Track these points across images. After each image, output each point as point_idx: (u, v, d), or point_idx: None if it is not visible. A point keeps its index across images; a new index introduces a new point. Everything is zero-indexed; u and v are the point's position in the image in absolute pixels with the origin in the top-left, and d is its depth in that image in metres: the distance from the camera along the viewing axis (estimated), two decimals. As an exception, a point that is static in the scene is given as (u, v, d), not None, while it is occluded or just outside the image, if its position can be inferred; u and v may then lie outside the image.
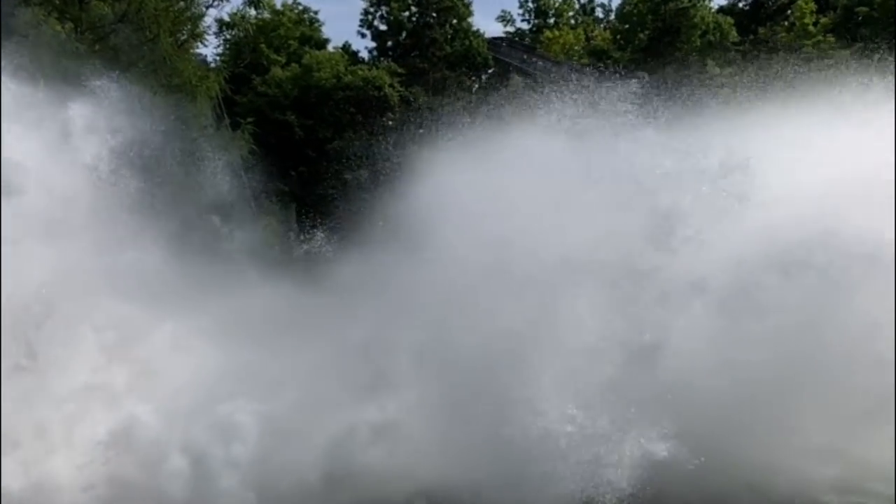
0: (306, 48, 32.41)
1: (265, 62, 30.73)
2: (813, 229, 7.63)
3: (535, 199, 8.43)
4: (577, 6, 41.40)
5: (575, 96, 9.49)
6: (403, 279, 9.39)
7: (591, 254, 7.50)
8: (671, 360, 7.19)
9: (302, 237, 23.04)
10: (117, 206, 9.64)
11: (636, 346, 7.23)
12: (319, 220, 23.57)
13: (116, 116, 9.87)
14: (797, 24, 30.06)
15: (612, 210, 7.79)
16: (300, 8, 34.34)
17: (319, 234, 20.11)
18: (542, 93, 10.38)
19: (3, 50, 9.03)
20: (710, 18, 31.88)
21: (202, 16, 18.11)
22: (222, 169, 15.96)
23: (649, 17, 32.25)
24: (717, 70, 25.36)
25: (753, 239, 7.86)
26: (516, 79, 29.65)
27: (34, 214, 7.87)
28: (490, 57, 33.93)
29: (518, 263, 7.94)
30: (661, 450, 7.01)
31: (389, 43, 34.37)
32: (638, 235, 7.53)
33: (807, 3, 29.86)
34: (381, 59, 33.92)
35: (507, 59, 34.18)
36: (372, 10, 34.32)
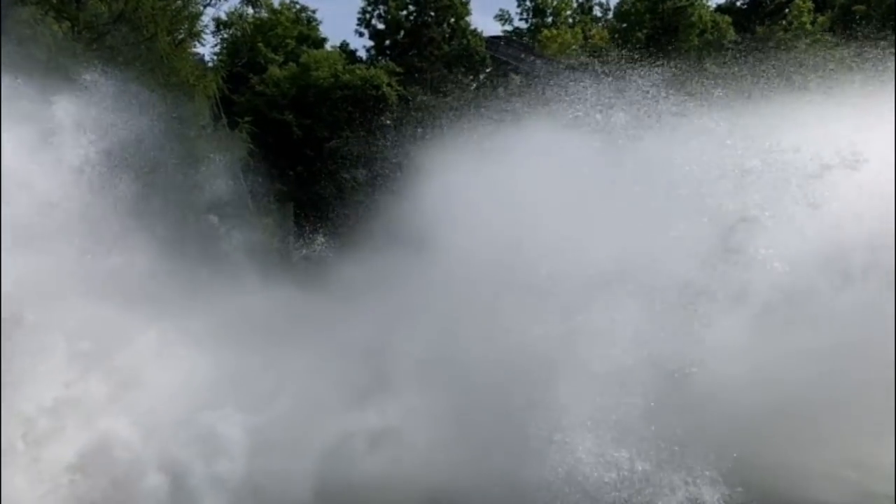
0: (304, 47, 32.34)
1: (263, 61, 30.65)
2: (878, 229, 6.66)
3: (562, 203, 7.59)
4: (574, 5, 41.37)
5: (603, 84, 8.51)
6: (410, 283, 8.78)
7: (629, 265, 6.59)
8: (716, 383, 6.34)
9: (299, 237, 23.04)
10: (103, 208, 9.19)
11: (678, 370, 6.27)
12: (317, 220, 23.55)
13: (107, 114, 9.63)
14: (795, 22, 30.09)
15: (658, 216, 6.83)
16: (298, 7, 34.31)
17: (317, 235, 20.07)
18: (562, 82, 9.46)
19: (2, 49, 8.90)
20: (708, 17, 31.89)
21: (199, 15, 18.07)
22: (220, 168, 15.93)
23: (647, 15, 32.24)
24: (715, 69, 25.34)
25: (809, 241, 6.83)
26: (514, 77, 29.62)
27: (7, 217, 7.41)
28: (488, 56, 33.89)
29: (541, 272, 7.10)
30: (713, 498, 5.98)
31: (387, 42, 34.31)
32: (691, 246, 6.52)
33: (804, 2, 29.89)
34: (379, 57, 33.86)
35: (505, 58, 34.14)
36: (370, 8, 34.26)
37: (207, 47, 36.53)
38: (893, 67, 8.61)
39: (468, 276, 7.89)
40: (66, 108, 9.11)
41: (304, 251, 20.64)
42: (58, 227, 8.08)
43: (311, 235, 21.97)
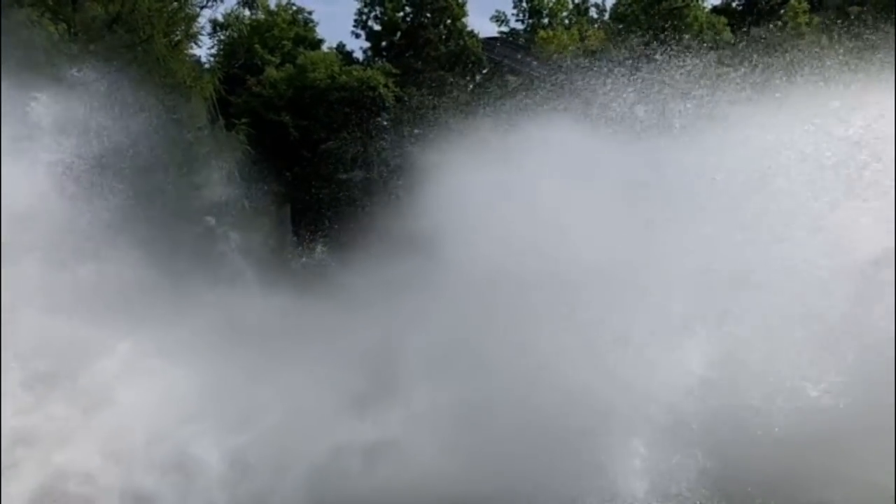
0: (300, 48, 32.33)
1: (259, 63, 30.65)
2: None
3: (603, 206, 6.72)
4: (570, 6, 41.39)
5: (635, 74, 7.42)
6: (418, 289, 8.01)
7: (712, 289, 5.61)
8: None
9: (296, 239, 23.02)
10: (75, 214, 8.55)
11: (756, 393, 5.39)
12: (314, 222, 23.54)
13: (94, 113, 9.23)
14: (790, 23, 30.13)
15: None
16: (294, 8, 34.33)
17: (314, 237, 20.00)
18: (588, 76, 8.45)
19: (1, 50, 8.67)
20: (704, 18, 31.93)
21: (196, 16, 18.08)
22: (216, 170, 15.92)
23: (643, 16, 32.28)
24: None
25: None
26: (511, 78, 29.66)
27: None
28: (484, 57, 33.92)
29: (578, 276, 6.27)
30: None
31: (384, 43, 34.31)
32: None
33: (799, 3, 29.96)
34: (376, 59, 33.86)
35: (501, 59, 34.18)
36: (366, 10, 34.26)
37: (204, 49, 36.49)
38: (894, 65, 8.10)
39: (486, 283, 7.21)
40: (45, 108, 8.65)
41: (301, 253, 20.57)
42: (20, 235, 7.44)
43: (308, 237, 21.94)
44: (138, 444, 6.96)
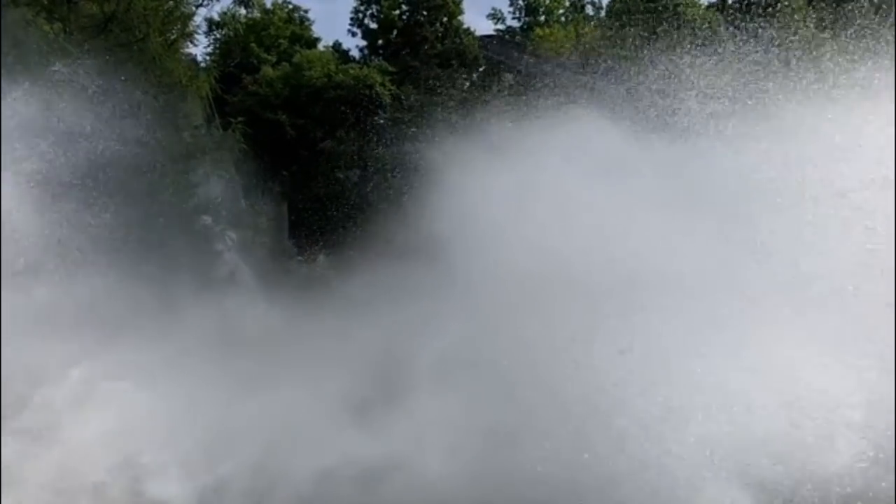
0: (297, 47, 32.28)
1: (255, 61, 30.60)
2: None
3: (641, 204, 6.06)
4: (567, 4, 41.36)
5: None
6: (433, 292, 7.44)
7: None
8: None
9: (293, 239, 22.98)
10: (56, 220, 8.00)
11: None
12: (312, 221, 23.50)
13: (87, 113, 8.97)
14: (787, 19, 30.13)
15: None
16: (290, 7, 34.25)
17: (312, 236, 19.96)
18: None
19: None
20: (701, 15, 31.93)
21: (192, 15, 17.99)
22: (213, 169, 15.87)
23: (639, 15, 32.27)
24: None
25: None
26: (508, 76, 29.62)
27: None
28: (481, 55, 33.90)
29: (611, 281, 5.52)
30: None
31: (380, 41, 34.26)
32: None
33: (797, -1, 30.00)
34: (372, 57, 33.81)
35: (498, 57, 34.14)
36: (362, 8, 34.22)
37: (200, 48, 36.38)
38: (893, 59, 7.87)
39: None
40: (25, 106, 8.22)
41: (299, 254, 20.51)
42: None
43: (305, 237, 21.90)
44: (90, 484, 6.16)
